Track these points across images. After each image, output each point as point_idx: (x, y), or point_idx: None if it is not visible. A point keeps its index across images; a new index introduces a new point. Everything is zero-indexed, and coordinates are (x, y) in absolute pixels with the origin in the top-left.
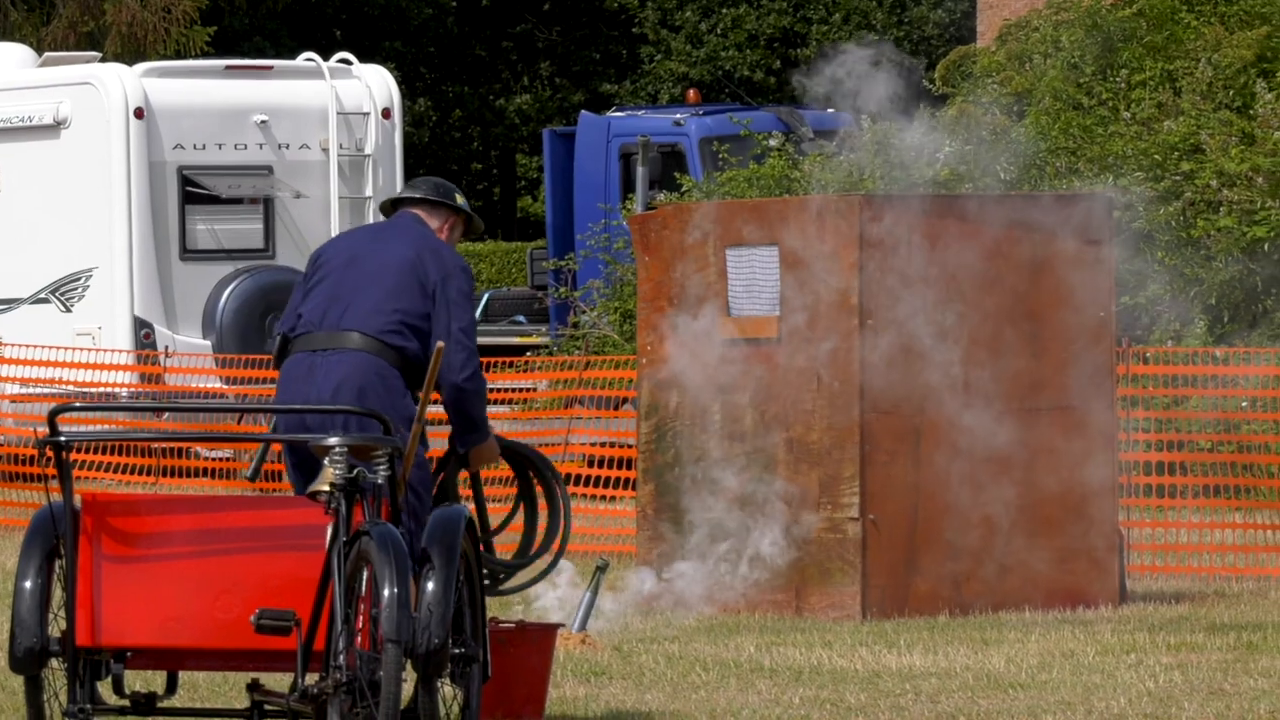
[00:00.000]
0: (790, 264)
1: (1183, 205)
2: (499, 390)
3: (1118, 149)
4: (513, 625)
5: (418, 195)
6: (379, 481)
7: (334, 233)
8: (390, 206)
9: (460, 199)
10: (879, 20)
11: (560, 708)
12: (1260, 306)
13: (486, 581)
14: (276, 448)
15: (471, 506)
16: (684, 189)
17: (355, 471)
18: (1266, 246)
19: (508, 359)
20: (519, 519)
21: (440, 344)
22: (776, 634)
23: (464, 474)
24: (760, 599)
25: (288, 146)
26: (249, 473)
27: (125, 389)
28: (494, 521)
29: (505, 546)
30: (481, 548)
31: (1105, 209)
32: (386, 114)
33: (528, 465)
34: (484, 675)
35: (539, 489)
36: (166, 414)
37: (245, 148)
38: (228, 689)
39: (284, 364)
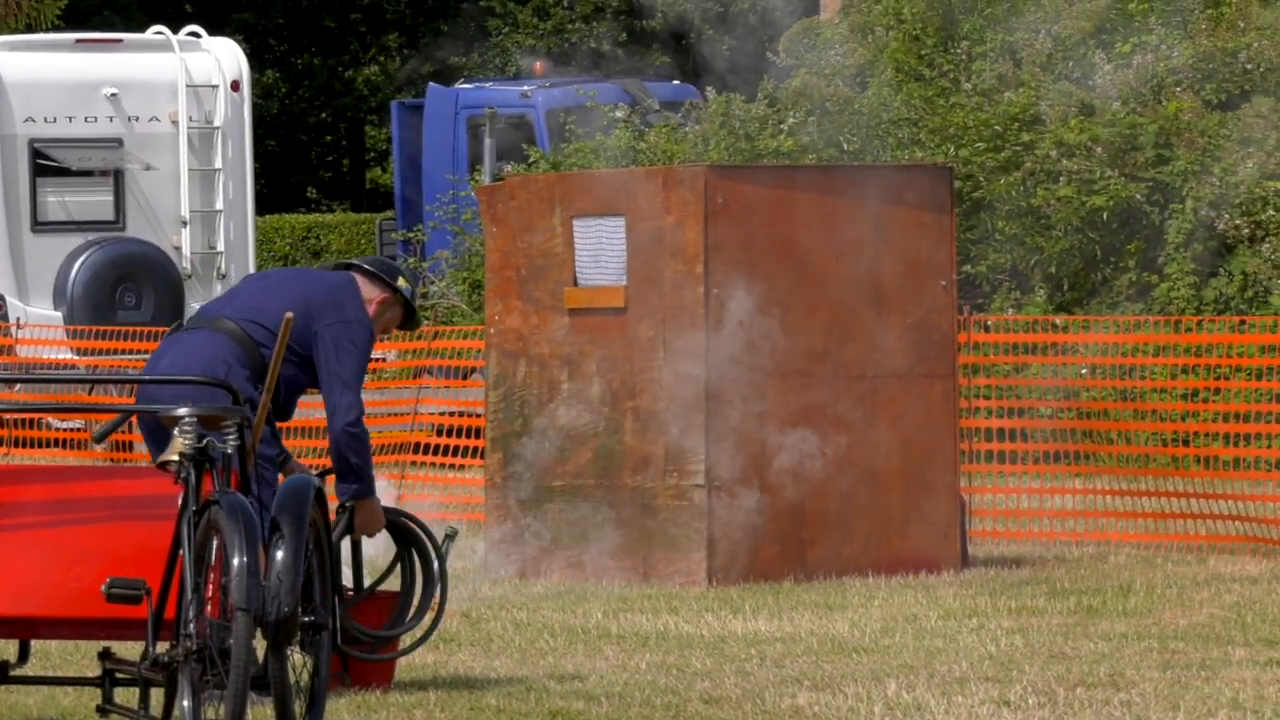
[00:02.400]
0: (636, 234)
1: (1023, 175)
2: None
3: (959, 120)
4: (366, 592)
5: (359, 262)
6: (228, 451)
7: (184, 205)
8: (340, 269)
9: (402, 282)
10: None
11: (409, 674)
12: (1099, 275)
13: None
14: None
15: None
16: (531, 160)
17: (205, 441)
18: (1105, 216)
19: None
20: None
21: (289, 314)
22: (624, 601)
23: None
24: (608, 566)
25: (138, 119)
26: (95, 435)
27: None
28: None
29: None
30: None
31: (946, 179)
32: (235, 86)
33: (410, 540)
34: (333, 643)
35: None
36: (18, 385)
37: (95, 120)
38: (80, 657)
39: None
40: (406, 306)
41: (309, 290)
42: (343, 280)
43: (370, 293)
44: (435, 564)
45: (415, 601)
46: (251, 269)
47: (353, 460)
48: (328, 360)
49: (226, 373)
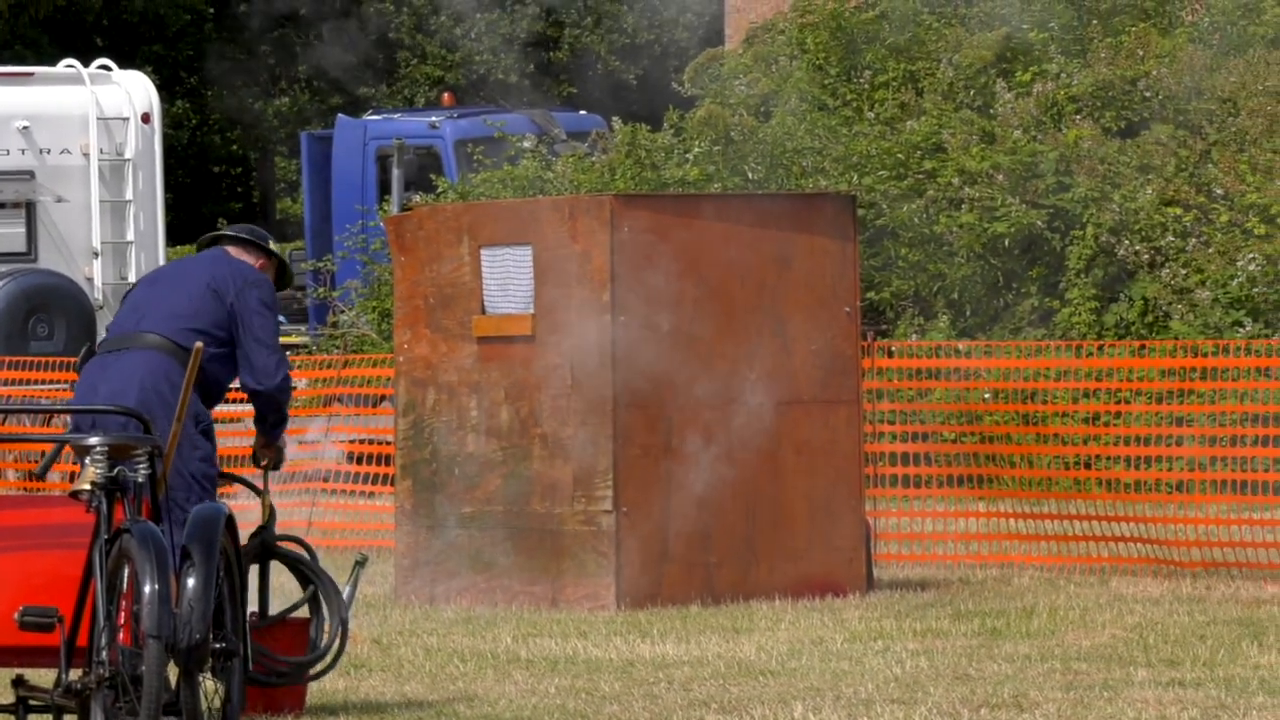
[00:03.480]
0: (543, 263)
1: (925, 203)
2: None
3: (862, 148)
4: (273, 619)
5: (230, 233)
6: (139, 480)
7: (95, 236)
8: (208, 244)
9: (272, 244)
10: (630, 24)
11: (320, 700)
12: (1001, 301)
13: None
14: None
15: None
16: (439, 190)
17: (116, 470)
18: (1007, 242)
19: None
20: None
21: (199, 344)
22: (533, 625)
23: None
24: (517, 591)
25: (49, 151)
26: (37, 471)
27: None
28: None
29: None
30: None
31: (849, 207)
32: (146, 119)
33: (306, 572)
34: (245, 669)
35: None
36: None
37: (7, 153)
38: None
39: (84, 367)
40: (279, 266)
41: (206, 274)
42: (223, 255)
43: (249, 260)
44: (335, 597)
45: (326, 632)
46: None
47: (286, 412)
48: (246, 327)
49: (171, 390)
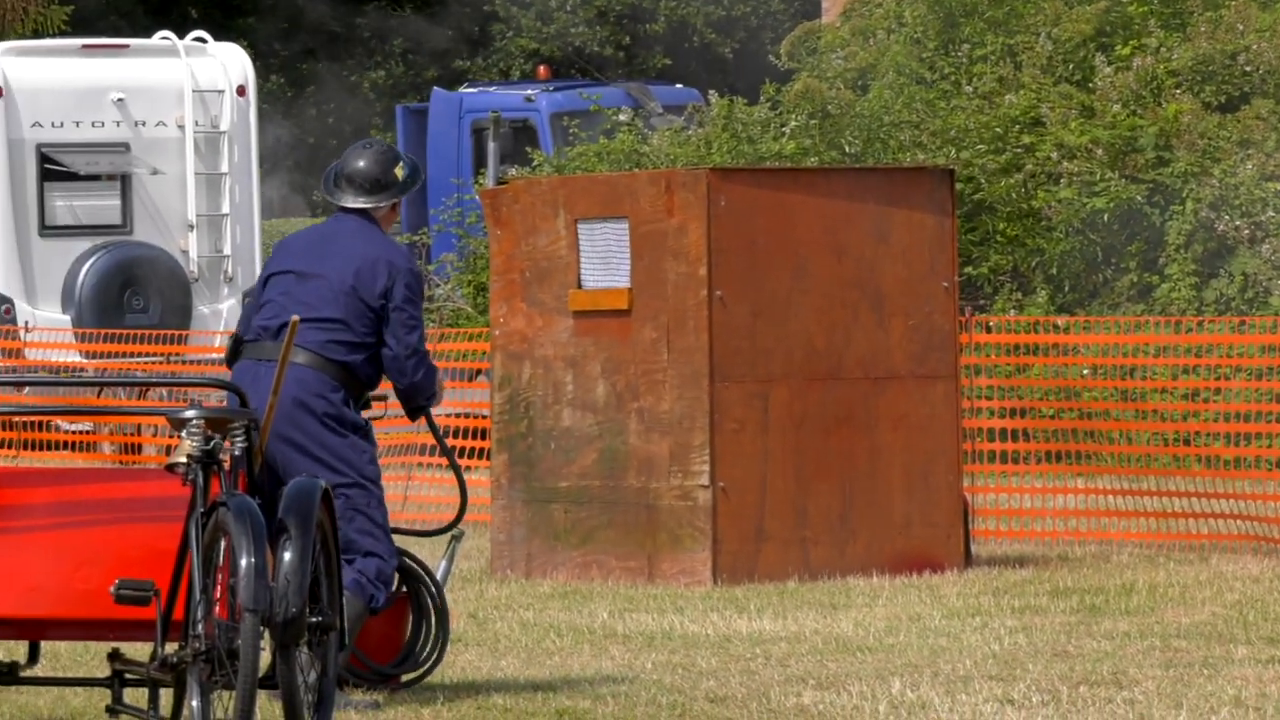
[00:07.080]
0: (640, 237)
1: (1024, 177)
2: None
3: (960, 122)
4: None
5: (360, 206)
6: (236, 453)
7: (190, 209)
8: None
9: (399, 171)
10: None
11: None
12: (1100, 276)
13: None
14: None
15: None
16: (535, 163)
17: (212, 444)
18: (1106, 217)
19: None
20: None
21: (295, 317)
22: (629, 601)
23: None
24: (613, 566)
25: (144, 124)
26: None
27: None
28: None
29: None
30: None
31: (947, 181)
32: (241, 91)
33: (415, 578)
34: (341, 644)
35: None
36: (27, 388)
37: (103, 125)
38: (89, 658)
39: (234, 368)
40: (409, 178)
41: (350, 273)
42: (361, 231)
43: (382, 212)
44: (438, 601)
45: (422, 640)
46: (258, 272)
47: (424, 401)
48: (390, 324)
49: (325, 404)
